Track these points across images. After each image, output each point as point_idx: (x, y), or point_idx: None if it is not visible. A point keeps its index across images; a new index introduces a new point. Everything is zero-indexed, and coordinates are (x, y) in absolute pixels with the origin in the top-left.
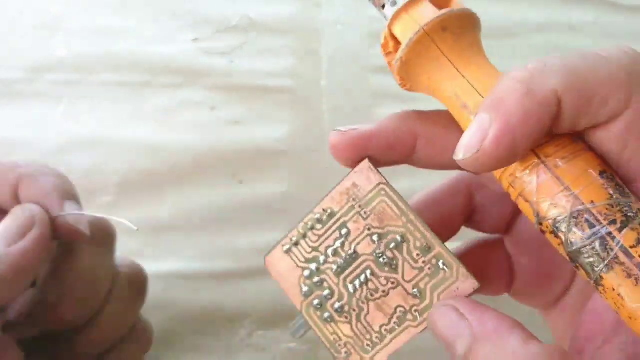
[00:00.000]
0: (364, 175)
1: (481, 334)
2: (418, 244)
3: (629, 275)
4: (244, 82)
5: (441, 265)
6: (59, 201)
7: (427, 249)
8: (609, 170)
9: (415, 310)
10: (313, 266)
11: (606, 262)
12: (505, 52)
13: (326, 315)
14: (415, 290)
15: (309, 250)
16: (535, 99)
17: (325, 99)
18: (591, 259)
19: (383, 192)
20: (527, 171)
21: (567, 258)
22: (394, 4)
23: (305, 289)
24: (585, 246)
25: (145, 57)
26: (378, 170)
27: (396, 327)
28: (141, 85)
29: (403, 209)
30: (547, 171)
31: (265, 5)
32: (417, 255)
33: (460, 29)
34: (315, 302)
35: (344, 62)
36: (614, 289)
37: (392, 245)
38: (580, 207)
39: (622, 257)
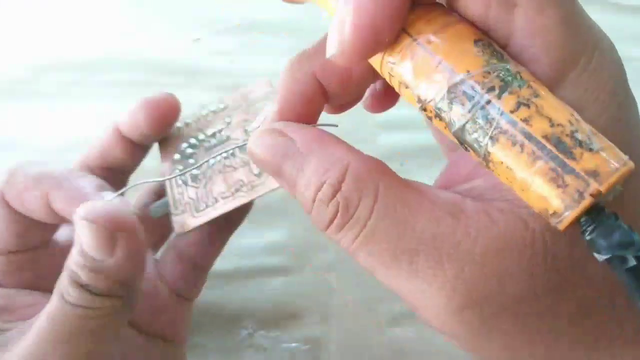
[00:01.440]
0: (262, 86)
1: (307, 148)
2: None
3: (514, 144)
4: (245, 82)
5: None
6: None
7: None
8: (485, 38)
9: (251, 185)
10: (192, 140)
11: (490, 134)
12: None
13: (181, 179)
14: (258, 171)
15: (195, 130)
16: None
17: None
18: (475, 135)
19: (270, 97)
20: (401, 54)
21: (456, 141)
22: None
23: (177, 156)
24: (467, 122)
25: (146, 57)
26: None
27: (229, 195)
28: (142, 85)
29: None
30: (420, 48)
31: (266, 5)
32: None
33: None
34: (179, 166)
35: None
36: (502, 162)
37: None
38: (456, 80)
39: (505, 125)
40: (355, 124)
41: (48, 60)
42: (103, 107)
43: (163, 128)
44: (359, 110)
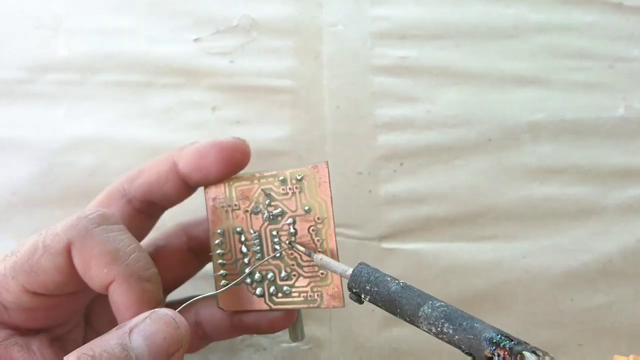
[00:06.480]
0: (212, 190)
1: None
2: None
3: None
4: (245, 83)
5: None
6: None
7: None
8: None
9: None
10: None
11: None
12: (505, 52)
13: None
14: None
15: (231, 264)
16: None
17: (326, 99)
18: None
19: (230, 183)
20: None
21: None
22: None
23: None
24: None
25: (146, 57)
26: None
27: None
28: (142, 86)
29: (249, 176)
30: None
31: (266, 5)
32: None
33: None
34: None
35: (345, 63)
36: None
37: (274, 211)
38: None
39: None
40: (354, 124)
41: (49, 60)
42: (104, 107)
43: (229, 175)
44: (358, 110)
